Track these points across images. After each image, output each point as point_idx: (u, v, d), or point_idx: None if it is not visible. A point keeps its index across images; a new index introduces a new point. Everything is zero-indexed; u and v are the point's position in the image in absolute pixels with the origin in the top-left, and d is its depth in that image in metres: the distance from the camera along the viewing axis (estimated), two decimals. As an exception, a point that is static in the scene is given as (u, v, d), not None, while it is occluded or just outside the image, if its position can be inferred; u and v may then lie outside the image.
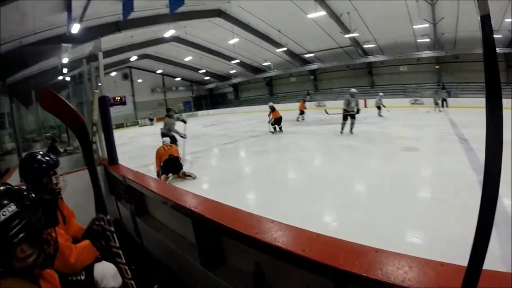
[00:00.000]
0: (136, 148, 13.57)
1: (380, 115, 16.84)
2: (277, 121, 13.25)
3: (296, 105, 20.25)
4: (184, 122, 9.51)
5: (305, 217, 4.40)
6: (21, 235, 0.94)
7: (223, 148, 11.30)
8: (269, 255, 1.49)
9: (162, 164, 6.87)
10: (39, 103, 1.02)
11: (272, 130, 13.38)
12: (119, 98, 34.44)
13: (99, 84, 4.27)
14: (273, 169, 7.73)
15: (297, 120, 17.58)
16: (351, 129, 11.00)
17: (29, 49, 12.45)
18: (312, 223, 4.05)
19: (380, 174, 6.25)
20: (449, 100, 19.37)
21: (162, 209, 3.15)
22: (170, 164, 6.89)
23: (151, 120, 32.78)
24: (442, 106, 18.63)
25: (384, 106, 16.91)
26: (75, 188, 2.63)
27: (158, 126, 25.05)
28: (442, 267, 1.04)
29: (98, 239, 1.86)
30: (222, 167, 8.86)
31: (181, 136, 9.26)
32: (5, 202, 0.95)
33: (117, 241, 1.11)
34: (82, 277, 1.86)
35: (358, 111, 10.82)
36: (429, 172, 6.44)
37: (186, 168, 7.62)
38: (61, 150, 9.45)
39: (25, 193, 1.03)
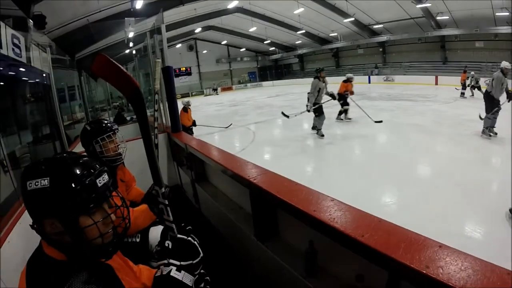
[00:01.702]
0: (201, 116, 14.04)
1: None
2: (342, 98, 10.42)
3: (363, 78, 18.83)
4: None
5: (361, 195, 4.30)
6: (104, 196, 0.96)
7: (288, 120, 11.24)
8: (325, 235, 1.43)
9: None
10: (91, 67, 1.01)
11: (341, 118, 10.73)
12: (184, 68, 35.78)
13: (162, 54, 4.38)
14: (337, 144, 7.52)
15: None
16: None
17: (96, 26, 13.17)
18: (369, 203, 4.00)
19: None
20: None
21: (221, 177, 3.21)
22: None
23: (215, 90, 33.60)
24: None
25: (478, 88, 14.38)
26: (139, 154, 2.77)
27: (223, 96, 25.69)
28: (508, 276, 0.90)
29: (157, 204, 1.96)
30: (287, 137, 8.82)
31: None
32: (103, 169, 0.98)
33: (170, 214, 1.13)
34: (137, 239, 1.97)
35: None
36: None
37: (249, 139, 7.81)
38: (128, 118, 10.01)
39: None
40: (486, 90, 7.25)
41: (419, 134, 7.81)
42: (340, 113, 10.50)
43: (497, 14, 18.52)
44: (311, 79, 8.45)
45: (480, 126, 7.27)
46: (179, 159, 4.43)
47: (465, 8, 19.15)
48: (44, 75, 5.72)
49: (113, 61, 0.95)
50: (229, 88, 37.09)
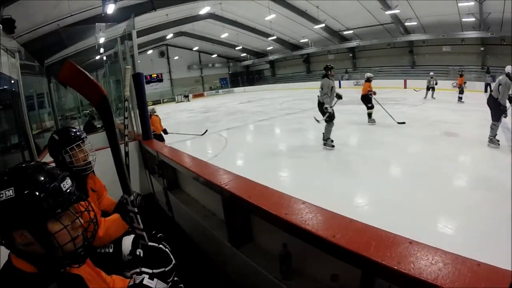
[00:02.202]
0: (173, 123, 13.88)
1: (432, 97, 15.53)
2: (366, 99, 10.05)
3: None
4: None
5: (335, 196, 4.37)
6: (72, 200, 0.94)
7: (259, 125, 11.29)
8: (297, 238, 1.43)
9: None
10: (58, 75, 0.98)
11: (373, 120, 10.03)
12: (155, 75, 35.30)
13: (132, 60, 4.30)
14: (309, 148, 7.61)
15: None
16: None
17: (66, 31, 12.87)
18: (341, 203, 4.07)
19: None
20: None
21: (193, 184, 3.16)
22: None
23: (187, 96, 33.31)
24: (486, 91, 16.87)
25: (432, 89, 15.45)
26: (110, 163, 2.67)
27: (194, 103, 25.45)
28: (478, 267, 0.94)
29: (127, 213, 1.90)
30: (258, 143, 8.88)
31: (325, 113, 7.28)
32: (65, 174, 0.97)
33: (141, 222, 1.10)
34: (111, 250, 1.91)
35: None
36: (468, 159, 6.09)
37: (221, 146, 7.78)
38: (99, 126, 9.77)
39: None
40: (491, 96, 6.74)
41: (391, 137, 8.04)
42: (369, 115, 10.03)
43: (463, 19, 19.53)
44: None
45: (445, 126, 7.59)
46: (151, 167, 4.33)
47: (433, 14, 20.09)
48: (12, 81, 5.50)
49: (81, 68, 0.93)
50: (201, 95, 36.87)
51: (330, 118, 7.33)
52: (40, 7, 10.37)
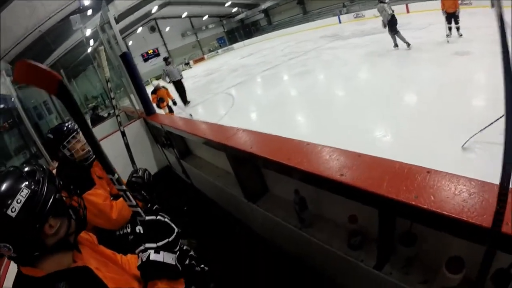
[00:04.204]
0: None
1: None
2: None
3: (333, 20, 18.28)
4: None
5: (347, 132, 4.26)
6: (45, 212, 0.90)
7: (264, 75, 11.04)
8: (305, 182, 1.36)
9: None
10: (13, 76, 0.90)
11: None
12: (151, 51, 34.59)
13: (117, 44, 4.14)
14: (317, 89, 7.41)
15: None
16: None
17: (50, 34, 12.62)
18: (356, 140, 3.95)
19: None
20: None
21: (202, 148, 3.13)
22: None
23: (187, 63, 32.69)
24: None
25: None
26: (119, 148, 2.66)
27: (196, 68, 25.06)
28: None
29: (138, 190, 1.87)
30: (265, 94, 8.73)
31: None
32: (18, 187, 0.90)
33: (132, 199, 1.05)
34: (128, 230, 1.92)
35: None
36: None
37: (229, 104, 7.78)
38: (106, 114, 9.78)
39: (32, 168, 0.97)
40: None
41: (398, 63, 7.65)
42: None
43: None
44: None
45: (457, 47, 7.07)
46: (161, 141, 4.32)
47: None
48: (12, 99, 5.57)
49: (32, 62, 0.84)
50: (201, 59, 35.96)
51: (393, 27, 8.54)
52: (17, 20, 10.12)
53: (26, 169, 0.96)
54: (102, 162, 0.93)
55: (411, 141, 3.80)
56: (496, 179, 0.66)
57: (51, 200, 0.92)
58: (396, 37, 8.77)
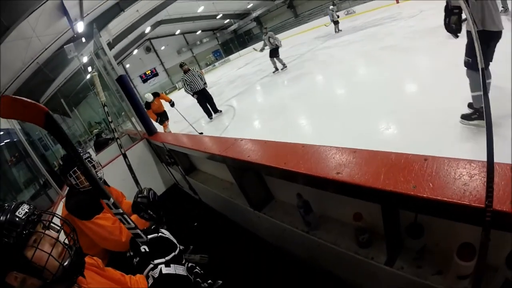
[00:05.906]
0: (181, 109, 13.83)
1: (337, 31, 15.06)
2: None
3: (325, 20, 18.46)
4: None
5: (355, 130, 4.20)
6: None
7: (261, 83, 11.14)
8: (305, 185, 1.33)
9: None
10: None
11: None
12: (149, 71, 34.99)
13: (113, 69, 4.19)
14: (315, 91, 7.39)
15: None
16: None
17: (48, 65, 12.71)
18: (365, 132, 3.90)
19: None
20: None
21: (205, 162, 3.14)
22: None
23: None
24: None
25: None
26: (121, 171, 2.66)
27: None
28: None
29: (144, 210, 1.87)
30: (265, 101, 8.76)
31: None
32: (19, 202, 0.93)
33: (130, 221, 1.04)
34: (131, 253, 1.91)
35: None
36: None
37: (230, 115, 8.04)
38: (108, 137, 9.86)
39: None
40: None
41: (394, 55, 7.59)
42: None
43: None
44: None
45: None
46: (165, 159, 4.33)
47: None
48: (15, 132, 5.65)
49: (16, 96, 0.85)
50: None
51: None
52: (13, 54, 10.22)
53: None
54: (95, 187, 0.92)
55: (419, 134, 3.74)
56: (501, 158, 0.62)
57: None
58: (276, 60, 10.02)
